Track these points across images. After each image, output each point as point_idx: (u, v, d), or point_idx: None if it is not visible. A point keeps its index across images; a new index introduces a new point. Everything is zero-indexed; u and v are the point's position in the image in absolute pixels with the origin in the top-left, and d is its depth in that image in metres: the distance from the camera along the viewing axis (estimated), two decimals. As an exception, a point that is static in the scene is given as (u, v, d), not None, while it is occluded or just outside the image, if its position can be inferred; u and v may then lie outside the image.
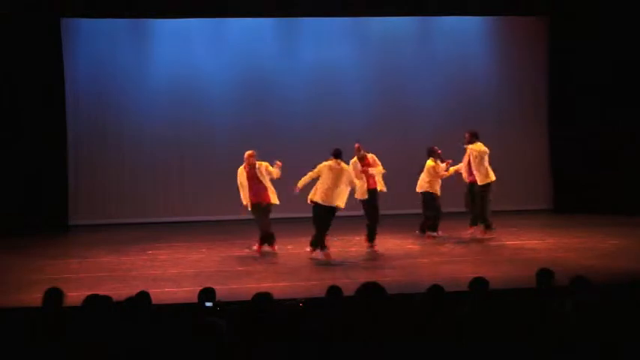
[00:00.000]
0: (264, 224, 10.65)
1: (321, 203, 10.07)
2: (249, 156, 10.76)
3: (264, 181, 10.64)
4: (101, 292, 5.53)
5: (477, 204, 11.68)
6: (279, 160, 10.71)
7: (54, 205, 13.61)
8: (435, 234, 11.55)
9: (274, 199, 10.69)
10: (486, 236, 11.59)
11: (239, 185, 10.77)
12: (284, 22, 14.62)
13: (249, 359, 4.45)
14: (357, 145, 10.65)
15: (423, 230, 11.68)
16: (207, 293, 5.82)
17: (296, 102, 14.57)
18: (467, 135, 11.81)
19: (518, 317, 4.94)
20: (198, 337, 4.34)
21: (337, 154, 10.22)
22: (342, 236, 11.40)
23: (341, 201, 10.11)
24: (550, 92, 14.95)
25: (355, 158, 10.60)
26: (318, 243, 10.16)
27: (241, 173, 10.74)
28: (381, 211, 10.78)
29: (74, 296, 5.97)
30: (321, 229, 10.12)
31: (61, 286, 5.69)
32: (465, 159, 11.72)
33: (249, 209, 10.78)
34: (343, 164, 10.20)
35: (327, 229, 10.17)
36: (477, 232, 11.70)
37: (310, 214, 10.30)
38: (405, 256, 10.35)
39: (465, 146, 11.67)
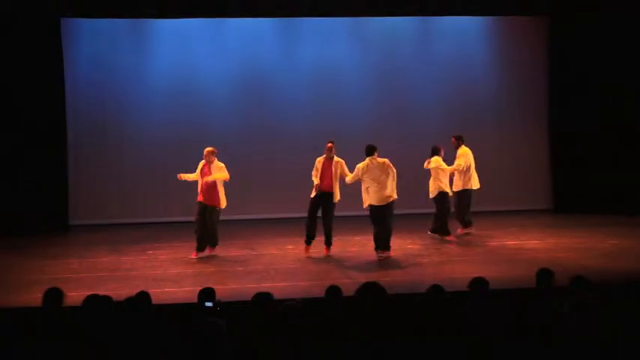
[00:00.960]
0: (212, 228, 10.53)
1: (376, 204, 10.10)
2: (211, 153, 10.61)
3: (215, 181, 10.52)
4: (101, 292, 5.54)
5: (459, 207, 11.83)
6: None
7: (54, 205, 13.60)
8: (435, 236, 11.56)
9: (223, 202, 10.58)
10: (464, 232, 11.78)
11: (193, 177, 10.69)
12: (284, 22, 14.62)
13: (250, 359, 4.45)
14: (329, 144, 10.54)
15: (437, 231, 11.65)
16: (207, 293, 5.82)
17: (296, 102, 14.57)
18: (453, 139, 11.93)
19: (518, 317, 4.94)
20: (198, 337, 4.34)
21: (369, 152, 10.20)
22: (342, 236, 11.40)
23: (393, 193, 10.16)
24: (550, 92, 14.95)
25: (324, 157, 10.54)
26: (386, 243, 10.19)
27: (200, 168, 10.63)
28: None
29: (74, 296, 5.98)
30: (389, 229, 10.17)
31: (61, 286, 5.69)
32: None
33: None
34: (378, 159, 10.18)
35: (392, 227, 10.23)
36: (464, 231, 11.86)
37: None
38: (405, 256, 10.34)
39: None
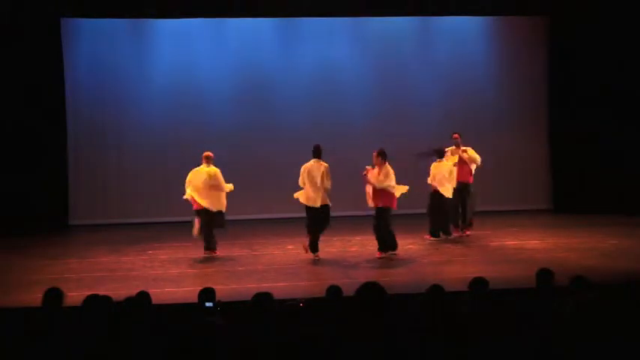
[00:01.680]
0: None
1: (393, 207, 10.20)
2: (205, 158, 10.69)
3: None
4: (101, 292, 5.53)
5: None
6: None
7: (54, 205, 13.61)
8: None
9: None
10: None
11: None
12: (284, 22, 14.62)
13: (250, 359, 4.45)
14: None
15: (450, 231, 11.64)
16: (207, 293, 5.82)
17: (296, 102, 14.57)
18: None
19: (519, 317, 4.94)
20: (198, 337, 4.34)
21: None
22: (342, 236, 11.40)
23: None
24: (550, 92, 14.95)
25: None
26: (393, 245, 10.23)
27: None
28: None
29: (74, 296, 5.98)
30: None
31: (61, 286, 5.69)
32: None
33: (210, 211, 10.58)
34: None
35: None
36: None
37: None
38: (405, 256, 10.34)
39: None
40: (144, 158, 14.32)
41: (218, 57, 14.48)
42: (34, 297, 6.53)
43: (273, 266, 9.81)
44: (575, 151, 14.51)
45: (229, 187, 10.62)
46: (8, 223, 12.81)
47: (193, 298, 6.08)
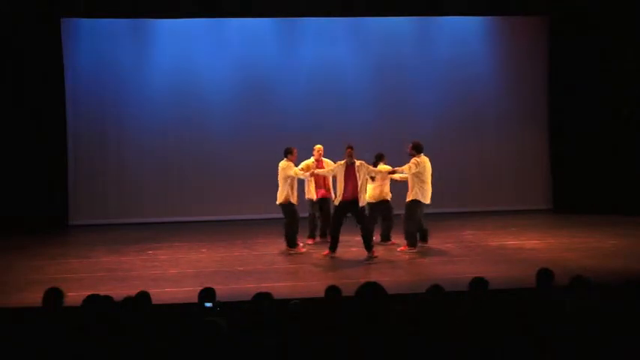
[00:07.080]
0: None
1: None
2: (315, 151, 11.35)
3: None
4: (101, 292, 5.53)
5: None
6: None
7: (54, 205, 13.61)
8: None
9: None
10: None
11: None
12: (284, 22, 14.62)
13: (249, 359, 4.45)
14: (349, 149, 10.21)
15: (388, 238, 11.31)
16: (207, 293, 5.82)
17: (296, 102, 14.57)
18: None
19: (518, 317, 4.94)
20: (198, 337, 4.34)
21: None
22: (341, 236, 11.36)
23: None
24: (550, 92, 14.95)
25: (344, 162, 10.23)
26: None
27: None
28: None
29: (74, 296, 5.98)
30: None
31: (61, 286, 5.70)
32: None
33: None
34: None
35: None
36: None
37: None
38: (405, 256, 10.33)
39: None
40: (144, 158, 14.32)
41: (218, 57, 14.47)
42: (34, 297, 6.53)
43: (273, 266, 9.82)
44: (575, 151, 14.52)
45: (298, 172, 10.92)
46: (8, 223, 12.82)
47: (193, 298, 6.08)
